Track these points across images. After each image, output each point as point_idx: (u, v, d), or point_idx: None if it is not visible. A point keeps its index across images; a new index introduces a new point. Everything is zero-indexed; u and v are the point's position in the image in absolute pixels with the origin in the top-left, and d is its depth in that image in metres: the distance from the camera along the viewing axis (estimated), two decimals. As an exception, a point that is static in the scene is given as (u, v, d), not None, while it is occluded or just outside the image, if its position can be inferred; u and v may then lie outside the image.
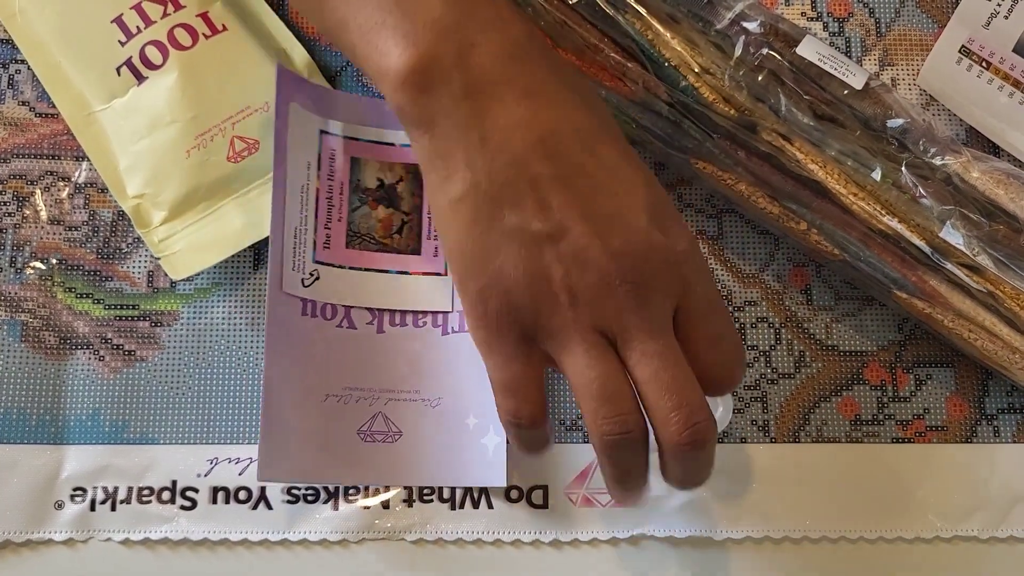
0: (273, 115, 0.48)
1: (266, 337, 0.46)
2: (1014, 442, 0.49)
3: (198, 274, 0.50)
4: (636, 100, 0.49)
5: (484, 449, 0.46)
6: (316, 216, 0.49)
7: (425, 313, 0.49)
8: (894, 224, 0.46)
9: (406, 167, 0.50)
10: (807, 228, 0.47)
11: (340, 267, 0.49)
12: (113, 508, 0.48)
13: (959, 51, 0.51)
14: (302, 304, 0.48)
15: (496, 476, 0.45)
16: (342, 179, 0.49)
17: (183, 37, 0.49)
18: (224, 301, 0.51)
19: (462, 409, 0.47)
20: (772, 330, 0.51)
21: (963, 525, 0.48)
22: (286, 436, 0.46)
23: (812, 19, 0.55)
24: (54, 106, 0.52)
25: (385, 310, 0.49)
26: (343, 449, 0.47)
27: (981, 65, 0.51)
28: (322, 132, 0.49)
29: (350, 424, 0.47)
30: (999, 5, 0.49)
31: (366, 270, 0.49)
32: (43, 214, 0.51)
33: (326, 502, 0.48)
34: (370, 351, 0.48)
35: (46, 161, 0.52)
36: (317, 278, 0.48)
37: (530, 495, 0.48)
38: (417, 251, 0.49)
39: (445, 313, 0.48)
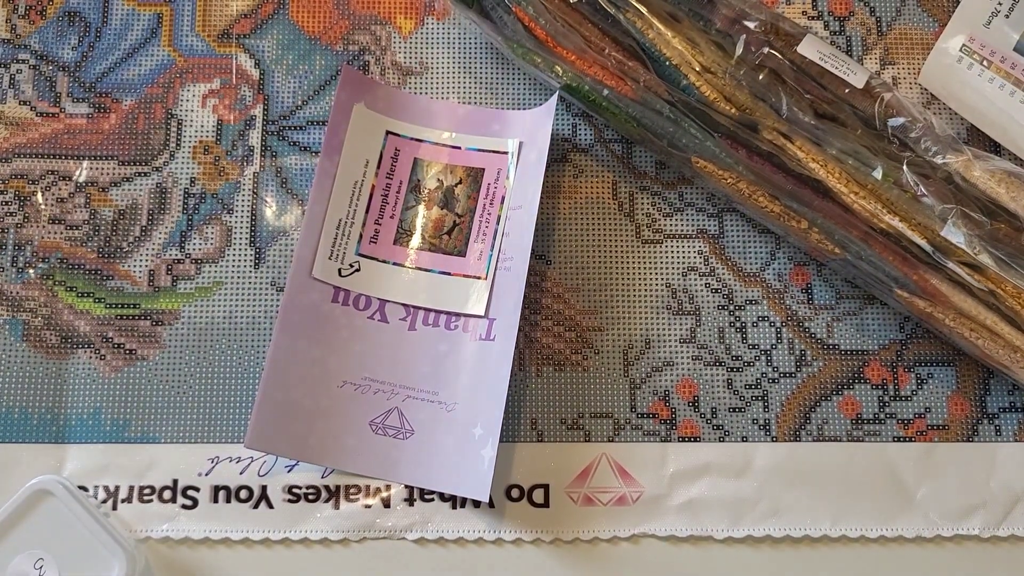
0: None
1: (280, 316, 0.48)
2: (1015, 441, 0.49)
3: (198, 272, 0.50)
4: (637, 99, 0.49)
5: (481, 460, 0.46)
6: (367, 211, 0.50)
7: (458, 316, 0.49)
8: (895, 223, 0.46)
9: (467, 170, 0.51)
10: (808, 227, 0.47)
11: (384, 262, 0.50)
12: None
13: (960, 50, 0.51)
14: (334, 291, 0.49)
15: (482, 490, 0.46)
16: (401, 178, 0.51)
17: None
18: (225, 300, 0.51)
19: (472, 417, 0.47)
20: (773, 329, 0.51)
21: (964, 524, 0.48)
22: (286, 412, 0.47)
23: (813, 18, 0.55)
24: (55, 104, 0.53)
25: (420, 308, 0.49)
26: (351, 437, 0.48)
27: (982, 64, 0.51)
28: (389, 132, 0.51)
29: (363, 413, 0.48)
30: (1000, 4, 0.49)
31: (409, 267, 0.50)
32: (44, 213, 0.52)
33: (327, 501, 0.48)
34: (397, 346, 0.49)
35: (47, 160, 0.52)
36: (357, 270, 0.49)
37: (531, 494, 0.48)
38: (463, 253, 0.50)
39: (478, 318, 0.49)
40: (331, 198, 0.50)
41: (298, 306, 0.48)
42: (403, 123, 0.52)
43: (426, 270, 0.50)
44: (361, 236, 0.50)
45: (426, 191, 0.51)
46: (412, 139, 0.52)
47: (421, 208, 0.51)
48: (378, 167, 0.51)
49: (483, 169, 0.51)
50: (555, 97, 0.50)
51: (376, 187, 0.51)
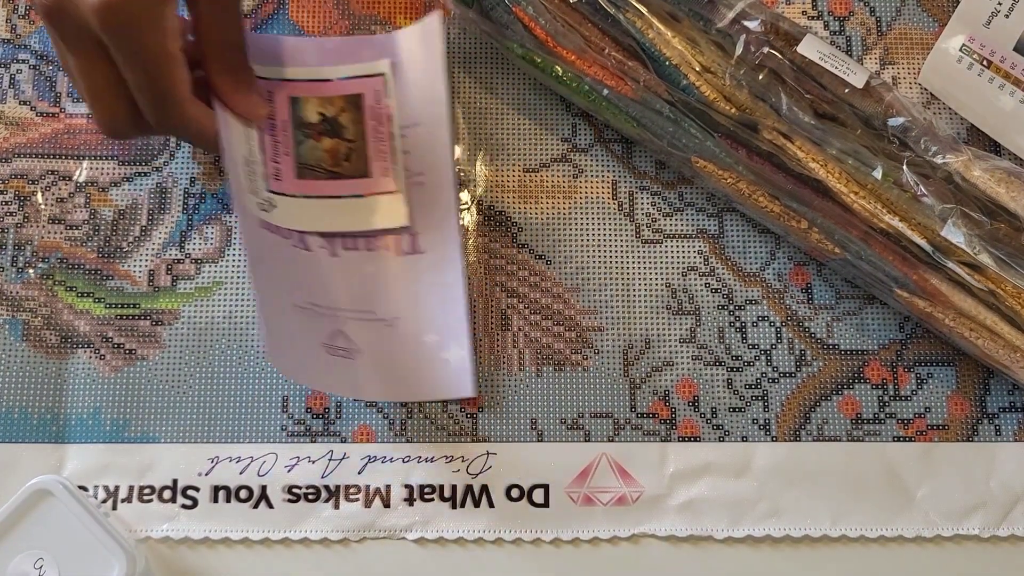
0: None
1: (247, 251, 0.48)
2: (1015, 441, 0.49)
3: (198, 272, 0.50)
4: (637, 99, 0.49)
5: (446, 363, 0.47)
6: (263, 151, 0.50)
7: (381, 234, 0.49)
8: (895, 223, 0.46)
9: (345, 99, 0.51)
10: (808, 227, 0.47)
11: (294, 196, 0.50)
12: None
13: (960, 50, 0.51)
14: (263, 222, 0.49)
15: (463, 386, 0.47)
16: (283, 117, 0.51)
17: None
18: (225, 300, 0.51)
19: (419, 328, 0.48)
20: (773, 329, 0.51)
21: (964, 524, 0.48)
22: (275, 332, 0.48)
23: (813, 18, 0.55)
24: (56, 104, 0.53)
25: (338, 234, 0.50)
26: (312, 357, 0.48)
27: (982, 64, 0.51)
28: (258, 78, 0.51)
29: (316, 335, 0.49)
30: (999, 4, 0.49)
31: (318, 197, 0.50)
32: (44, 213, 0.52)
33: (327, 501, 0.48)
34: (324, 273, 0.49)
35: (47, 160, 0.52)
36: (274, 206, 0.49)
37: (531, 494, 0.48)
38: (367, 174, 0.50)
39: (403, 230, 0.49)
40: (231, 137, 0.50)
41: (249, 237, 0.49)
42: (269, 67, 0.51)
43: (336, 197, 0.50)
44: (266, 175, 0.50)
45: (311, 125, 0.51)
46: (282, 80, 0.51)
47: (312, 142, 0.51)
48: None
49: (361, 94, 0.51)
50: (435, 15, 0.49)
51: (263, 130, 0.50)
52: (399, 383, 0.48)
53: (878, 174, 0.46)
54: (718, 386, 0.50)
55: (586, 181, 0.52)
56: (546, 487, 0.48)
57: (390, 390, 0.48)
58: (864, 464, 0.49)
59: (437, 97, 0.49)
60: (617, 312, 0.51)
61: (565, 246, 0.51)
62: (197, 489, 0.48)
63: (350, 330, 0.48)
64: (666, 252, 0.51)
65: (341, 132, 0.50)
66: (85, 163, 0.52)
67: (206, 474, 0.48)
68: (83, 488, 0.48)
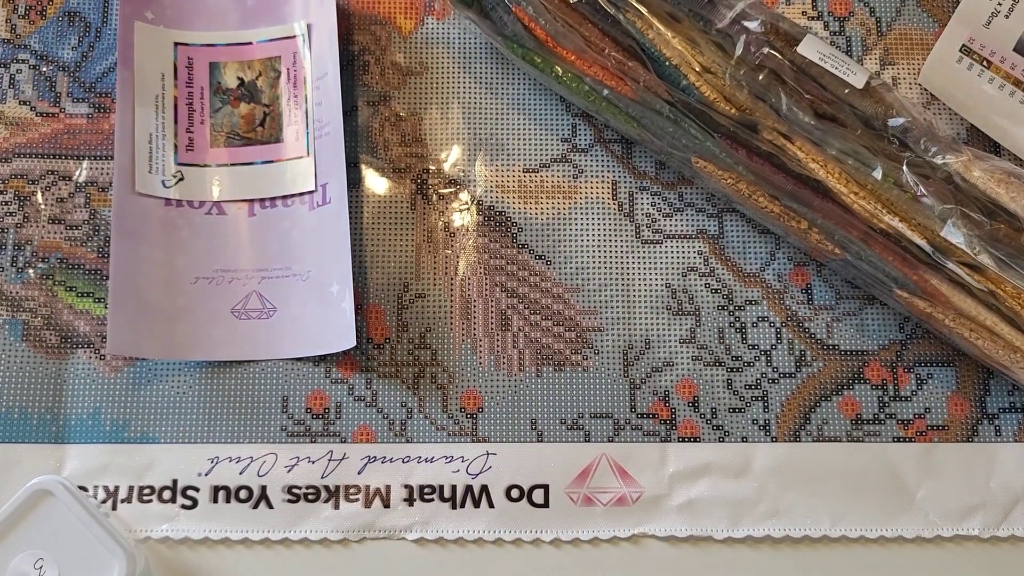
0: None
1: (112, 225, 0.49)
2: (1015, 441, 0.49)
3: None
4: (637, 99, 0.49)
5: (343, 312, 0.48)
6: (176, 122, 0.51)
7: (293, 195, 0.51)
8: (895, 223, 0.46)
9: (263, 62, 0.52)
10: (808, 227, 0.47)
11: (206, 166, 0.51)
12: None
13: (960, 50, 0.51)
14: (165, 199, 0.50)
15: (347, 339, 0.48)
16: (202, 84, 0.52)
17: None
18: (225, 300, 0.51)
19: (327, 278, 0.49)
20: (773, 329, 0.51)
21: (964, 524, 0.48)
22: (143, 315, 0.48)
23: (813, 18, 0.55)
24: (55, 104, 0.53)
25: (254, 200, 0.51)
26: (216, 328, 0.49)
27: (982, 64, 0.51)
28: (177, 44, 0.52)
29: (223, 304, 0.49)
30: (1000, 4, 0.49)
31: (233, 165, 0.51)
32: (44, 213, 0.52)
33: (327, 501, 0.48)
34: (241, 234, 0.50)
35: (47, 160, 0.52)
36: (181, 179, 0.50)
37: (531, 494, 0.48)
38: (280, 139, 0.51)
39: (311, 193, 0.51)
40: (135, 111, 0.51)
41: (129, 215, 0.49)
42: (190, 32, 0.53)
43: (249, 163, 0.51)
44: (176, 147, 0.51)
45: (229, 91, 0.52)
46: (203, 45, 0.53)
47: (228, 108, 0.52)
48: (175, 78, 0.52)
49: (279, 56, 0.52)
50: None
51: (179, 98, 0.52)
52: (307, 336, 0.49)
53: (878, 174, 0.46)
54: (718, 386, 0.50)
55: (586, 181, 0.52)
56: (546, 487, 0.48)
57: (299, 344, 0.49)
58: (864, 464, 0.49)
59: (334, 43, 0.51)
60: (617, 312, 0.51)
61: (565, 246, 0.51)
62: (197, 489, 0.48)
63: (265, 290, 0.49)
64: (666, 252, 0.51)
65: (258, 96, 0.51)
66: (85, 163, 0.52)
67: (206, 474, 0.48)
68: (83, 488, 0.48)
